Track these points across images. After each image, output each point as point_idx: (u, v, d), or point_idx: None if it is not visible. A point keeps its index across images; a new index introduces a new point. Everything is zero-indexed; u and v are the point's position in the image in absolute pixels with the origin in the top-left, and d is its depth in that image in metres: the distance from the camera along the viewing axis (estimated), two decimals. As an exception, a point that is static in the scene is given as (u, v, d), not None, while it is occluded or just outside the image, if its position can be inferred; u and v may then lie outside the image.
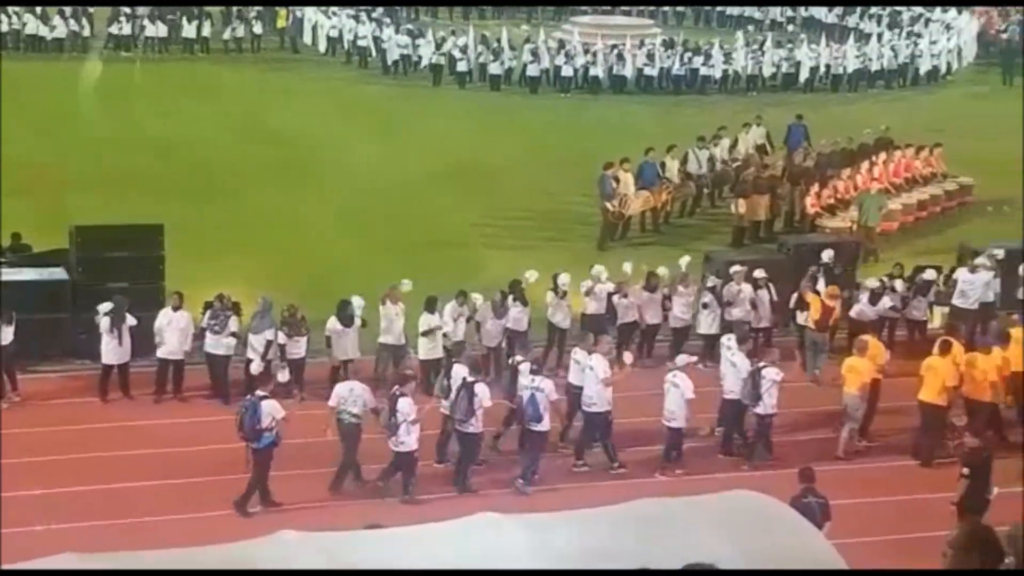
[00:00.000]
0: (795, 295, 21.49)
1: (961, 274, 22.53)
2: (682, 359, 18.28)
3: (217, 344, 19.59)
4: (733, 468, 17.66)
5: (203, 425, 18.30)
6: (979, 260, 22.71)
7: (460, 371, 17.23)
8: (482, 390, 16.81)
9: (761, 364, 17.92)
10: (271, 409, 16.05)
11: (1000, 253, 23.17)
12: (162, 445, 17.81)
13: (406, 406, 16.24)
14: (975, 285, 22.26)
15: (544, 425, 17.11)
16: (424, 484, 16.68)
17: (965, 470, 15.27)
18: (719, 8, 54.09)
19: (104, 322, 19.32)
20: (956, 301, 22.37)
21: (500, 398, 17.48)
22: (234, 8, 47.40)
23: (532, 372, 17.32)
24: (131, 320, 19.46)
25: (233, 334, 19.60)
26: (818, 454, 17.44)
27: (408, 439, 16.26)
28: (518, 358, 17.99)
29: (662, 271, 21.63)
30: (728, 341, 18.87)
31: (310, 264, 24.46)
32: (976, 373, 18.45)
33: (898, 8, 51.94)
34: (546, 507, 12.59)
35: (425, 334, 19.82)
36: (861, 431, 18.62)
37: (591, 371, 17.69)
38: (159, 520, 15.48)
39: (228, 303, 19.77)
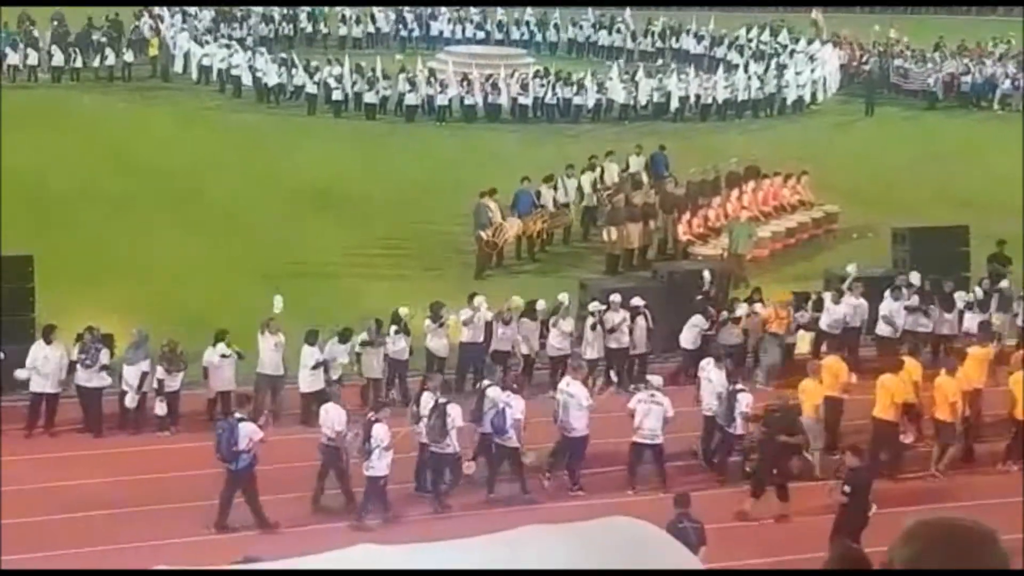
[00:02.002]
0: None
1: (828, 302, 23.16)
2: (656, 379, 18.79)
3: (89, 377, 19.34)
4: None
5: (72, 460, 18.01)
6: (845, 285, 23.40)
7: (428, 398, 17.59)
8: (454, 410, 17.28)
9: (738, 387, 18.71)
10: (248, 431, 16.26)
11: (852, 269, 23.97)
12: (29, 482, 17.48)
13: (381, 432, 16.59)
14: (838, 312, 22.90)
15: (513, 441, 17.60)
16: (402, 507, 17.05)
17: (846, 488, 15.73)
18: (591, 39, 54.88)
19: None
20: (823, 326, 23.01)
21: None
22: (103, 36, 46.76)
23: (506, 389, 18.02)
24: (-1, 354, 19.15)
25: (104, 367, 19.38)
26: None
27: (379, 464, 16.61)
28: (486, 382, 18.52)
29: (540, 305, 21.93)
30: (708, 373, 19.50)
31: (185, 294, 24.26)
32: (940, 396, 19.10)
33: (763, 39, 53.23)
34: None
35: (316, 367, 19.84)
36: (828, 448, 19.01)
37: (571, 398, 18.12)
38: (25, 558, 15.19)
39: (98, 335, 19.56)
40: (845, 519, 15.33)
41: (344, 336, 20.21)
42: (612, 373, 21.62)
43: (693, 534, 13.75)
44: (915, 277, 23.70)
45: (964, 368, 19.76)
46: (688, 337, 22.09)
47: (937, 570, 2.84)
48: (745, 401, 18.51)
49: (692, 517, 14.51)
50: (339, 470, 17.18)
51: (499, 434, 17.70)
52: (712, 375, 19.16)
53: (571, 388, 18.27)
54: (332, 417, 17.29)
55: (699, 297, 22.66)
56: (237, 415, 16.71)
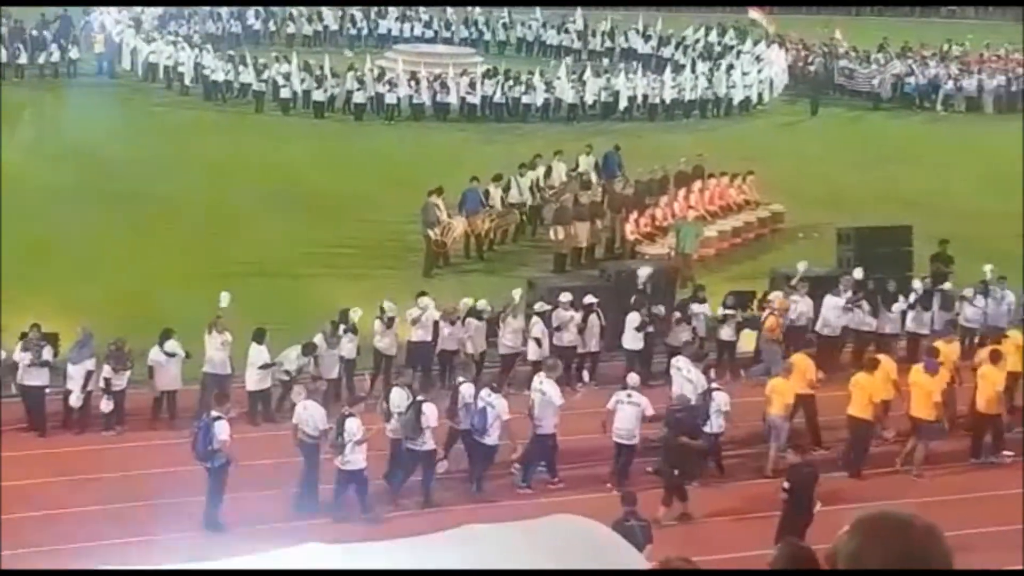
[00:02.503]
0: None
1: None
2: (634, 379, 18.83)
3: (32, 376, 19.19)
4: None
5: (14, 460, 17.84)
6: (793, 282, 23.63)
7: (399, 395, 17.68)
8: (429, 409, 17.36)
9: (713, 386, 18.88)
10: (221, 430, 16.22)
11: (803, 267, 24.24)
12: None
13: (353, 426, 16.69)
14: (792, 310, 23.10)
15: (492, 439, 17.78)
16: (378, 502, 17.14)
17: (786, 485, 15.88)
18: (540, 38, 55.03)
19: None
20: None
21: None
22: (48, 33, 46.35)
23: (492, 389, 18.24)
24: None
25: (47, 364, 19.23)
26: (753, 471, 18.57)
27: (354, 457, 16.71)
28: (460, 379, 18.71)
29: (482, 304, 21.99)
30: (677, 362, 19.78)
31: (133, 292, 24.09)
32: (921, 394, 19.33)
33: (710, 40, 53.57)
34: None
35: (264, 367, 19.77)
36: (814, 443, 19.32)
37: (543, 396, 18.22)
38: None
39: (42, 333, 19.42)
40: (789, 517, 15.45)
41: (307, 349, 20.09)
42: (585, 372, 21.73)
43: (640, 532, 13.85)
44: (859, 273, 23.96)
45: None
46: (628, 337, 22.18)
47: (879, 570, 2.90)
48: (722, 400, 18.67)
49: (639, 515, 14.63)
50: (317, 466, 17.22)
51: (479, 433, 17.85)
52: (692, 375, 19.19)
53: (544, 386, 18.36)
54: (312, 414, 17.29)
55: (634, 297, 22.69)
56: (214, 414, 16.62)
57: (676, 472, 17.28)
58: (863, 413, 19.09)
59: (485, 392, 18.11)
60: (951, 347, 21.19)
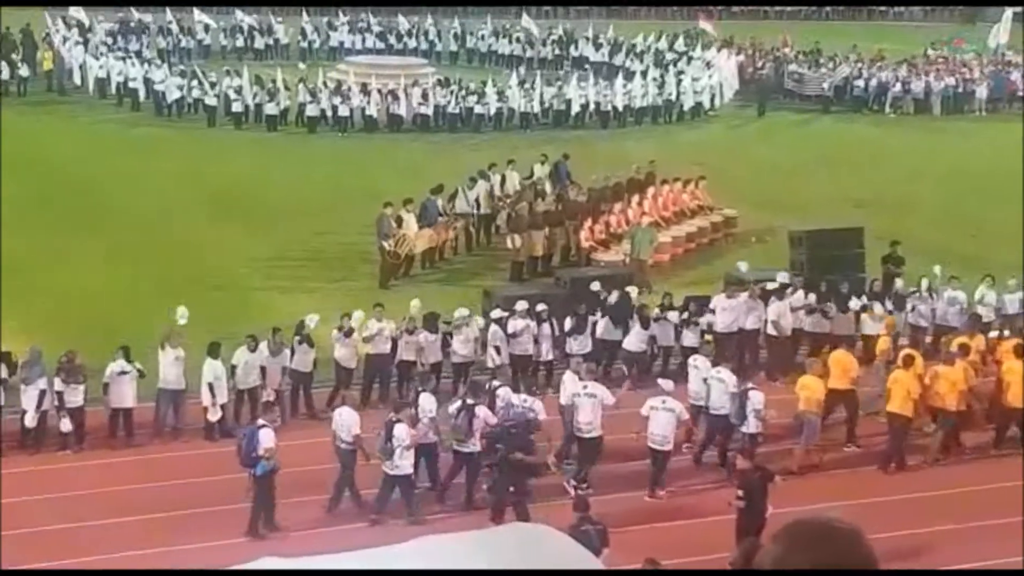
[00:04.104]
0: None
1: (718, 300, 23.50)
2: (668, 384, 18.96)
3: (-18, 397, 19.05)
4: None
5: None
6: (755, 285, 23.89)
7: (427, 400, 18.06)
8: (483, 411, 17.70)
9: (749, 386, 19.05)
10: (266, 438, 16.52)
11: (743, 267, 24.37)
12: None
13: (402, 432, 17.03)
14: (728, 311, 23.21)
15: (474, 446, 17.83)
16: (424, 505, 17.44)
17: (739, 492, 15.99)
18: (492, 47, 55.16)
19: None
20: (718, 328, 23.33)
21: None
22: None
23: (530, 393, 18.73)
24: None
25: (1, 383, 19.10)
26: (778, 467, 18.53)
27: (403, 463, 17.12)
28: (496, 382, 19.06)
29: (436, 315, 22.04)
30: (695, 361, 20.22)
31: (84, 308, 23.95)
32: (940, 385, 19.87)
33: (661, 47, 53.87)
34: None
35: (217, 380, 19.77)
36: (848, 436, 20.10)
37: (591, 399, 18.37)
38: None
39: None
40: (743, 521, 15.59)
41: (252, 346, 20.11)
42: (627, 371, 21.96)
43: (596, 537, 13.92)
44: (783, 276, 24.19)
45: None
46: (632, 339, 22.47)
47: (803, 570, 2.96)
48: (757, 399, 18.81)
49: (594, 520, 14.71)
50: (353, 471, 17.50)
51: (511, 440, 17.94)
52: (723, 375, 19.38)
53: (591, 388, 18.56)
54: (347, 420, 17.58)
55: (598, 308, 22.84)
56: (260, 422, 17.09)
57: (511, 489, 17.03)
58: (901, 409, 19.50)
59: (519, 397, 18.42)
60: (975, 341, 21.70)
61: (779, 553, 2.99)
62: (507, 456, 17.12)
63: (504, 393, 18.52)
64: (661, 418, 18.26)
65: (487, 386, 19.14)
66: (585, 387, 18.53)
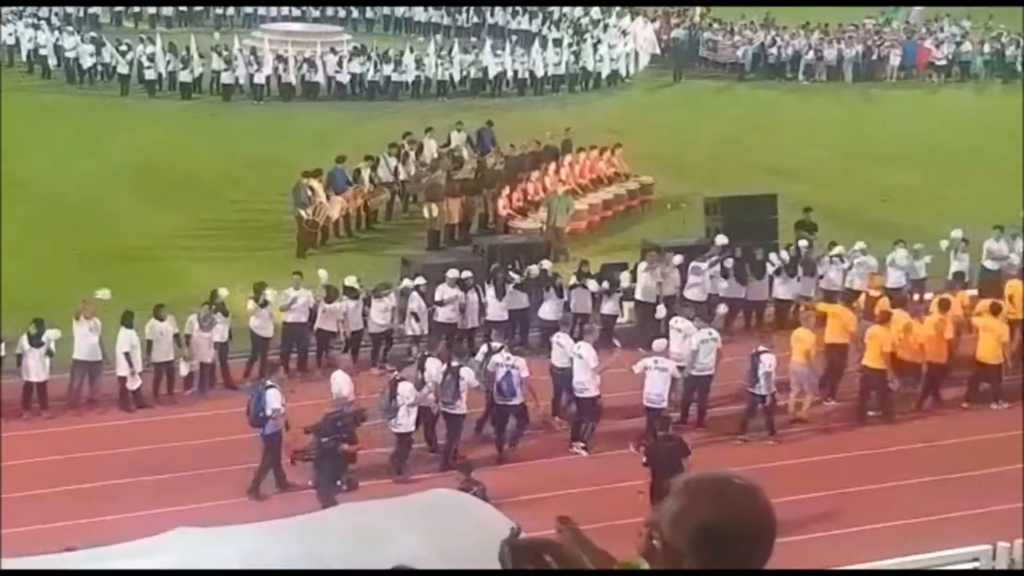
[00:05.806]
0: None
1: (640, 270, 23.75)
2: (660, 344, 19.38)
3: None
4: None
5: None
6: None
7: (434, 364, 18.35)
8: (467, 373, 18.18)
9: (761, 348, 19.50)
10: (273, 399, 16.74)
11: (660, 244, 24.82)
12: None
13: (406, 390, 17.51)
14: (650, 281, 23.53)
15: (518, 399, 18.52)
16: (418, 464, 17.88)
17: (643, 459, 16.30)
18: (408, 15, 54.78)
19: None
20: (637, 296, 23.61)
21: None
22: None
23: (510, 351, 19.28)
24: None
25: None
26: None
27: (406, 421, 17.53)
28: (495, 344, 19.30)
29: (349, 281, 22.01)
30: (677, 323, 20.66)
31: (2, 279, 23.57)
32: (911, 338, 20.83)
33: (577, 14, 53.82)
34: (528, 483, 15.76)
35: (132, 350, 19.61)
36: (830, 391, 20.87)
37: (580, 359, 18.82)
38: None
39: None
40: (657, 487, 15.79)
41: (159, 315, 19.98)
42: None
43: (480, 496, 14.28)
44: (721, 239, 24.47)
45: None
46: (547, 308, 22.64)
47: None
48: (769, 362, 19.27)
49: (476, 480, 15.73)
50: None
51: (508, 396, 18.55)
52: (710, 334, 19.99)
53: (581, 350, 19.06)
54: (340, 383, 17.83)
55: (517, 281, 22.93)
56: (267, 382, 17.33)
57: (339, 483, 16.65)
58: (876, 363, 20.32)
59: (505, 356, 18.77)
60: (958, 298, 22.66)
61: (677, 507, 3.04)
62: (333, 448, 16.57)
63: (500, 358, 18.75)
64: (656, 377, 18.72)
65: (411, 353, 19.47)
66: (656, 361, 18.95)
